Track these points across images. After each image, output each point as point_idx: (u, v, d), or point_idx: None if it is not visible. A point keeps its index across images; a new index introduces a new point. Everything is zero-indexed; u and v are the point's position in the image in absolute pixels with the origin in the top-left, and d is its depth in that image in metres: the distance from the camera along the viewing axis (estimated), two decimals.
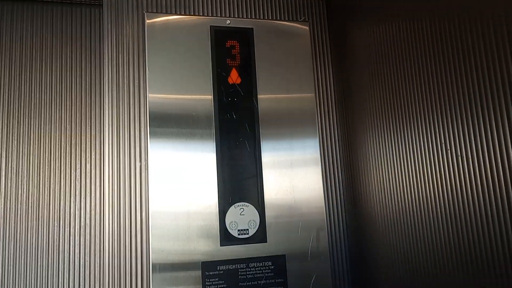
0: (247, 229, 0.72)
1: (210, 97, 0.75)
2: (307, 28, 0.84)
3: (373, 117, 0.73)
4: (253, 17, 0.85)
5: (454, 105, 0.53)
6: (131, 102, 0.76)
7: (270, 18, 0.87)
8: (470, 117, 0.51)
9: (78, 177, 0.77)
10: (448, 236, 0.55)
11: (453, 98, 0.53)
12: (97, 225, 0.76)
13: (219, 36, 0.78)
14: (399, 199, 0.66)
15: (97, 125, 0.80)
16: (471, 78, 0.50)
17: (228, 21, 0.79)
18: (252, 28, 0.80)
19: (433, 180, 0.58)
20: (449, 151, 0.54)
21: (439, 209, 0.57)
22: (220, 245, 0.70)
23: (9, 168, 0.75)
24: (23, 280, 0.72)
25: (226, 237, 0.71)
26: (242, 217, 0.72)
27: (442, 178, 0.56)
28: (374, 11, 0.72)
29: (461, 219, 0.53)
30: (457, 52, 0.52)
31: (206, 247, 0.70)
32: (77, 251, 0.75)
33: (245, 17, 0.85)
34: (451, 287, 0.55)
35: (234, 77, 0.77)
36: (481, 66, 0.49)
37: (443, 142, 0.55)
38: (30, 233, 0.74)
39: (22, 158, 0.76)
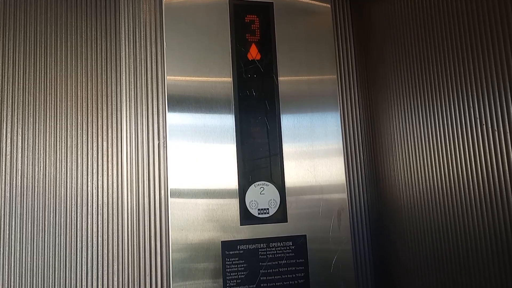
0: (268, 209, 0.70)
1: (230, 73, 0.73)
2: (329, 5, 0.81)
3: (398, 94, 0.71)
4: None
5: (491, 77, 0.50)
6: (149, 79, 0.74)
7: None
8: (508, 90, 0.48)
9: (95, 155, 0.76)
10: (481, 216, 0.53)
11: (489, 70, 0.51)
12: (115, 203, 0.75)
13: (238, 10, 0.75)
14: (427, 177, 0.64)
15: (113, 102, 0.78)
16: (510, 48, 0.47)
17: None
18: (272, 3, 0.77)
19: (466, 157, 0.55)
20: (484, 126, 0.52)
21: (471, 188, 0.54)
22: (240, 225, 0.69)
23: (26, 146, 0.74)
24: (41, 259, 0.72)
25: (246, 216, 0.69)
26: (262, 196, 0.70)
27: (476, 155, 0.53)
28: None
29: (497, 199, 0.50)
30: (494, 21, 0.49)
31: (226, 226, 0.68)
32: (94, 229, 0.74)
33: None
34: (484, 273, 0.53)
35: (253, 53, 0.75)
36: None
37: (477, 116, 0.53)
38: (48, 212, 0.73)
39: (38, 136, 0.75)
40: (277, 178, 0.72)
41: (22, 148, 0.74)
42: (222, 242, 0.68)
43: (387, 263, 0.77)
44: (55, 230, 0.73)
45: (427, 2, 0.62)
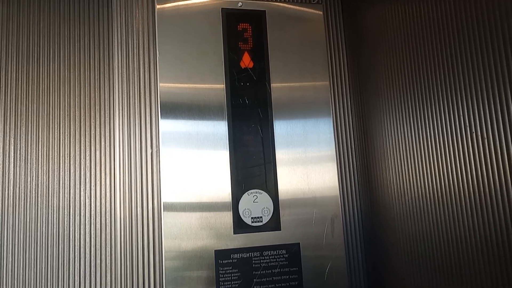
0: (261, 217, 0.70)
1: (222, 81, 0.73)
2: (321, 12, 0.82)
3: (390, 101, 0.71)
4: (265, 0, 0.83)
5: (480, 85, 0.51)
6: (141, 88, 0.74)
7: (282, 0, 0.84)
8: (497, 98, 0.48)
9: (87, 164, 0.76)
10: (472, 224, 0.53)
11: (478, 78, 0.51)
12: (108, 213, 0.75)
13: (230, 19, 0.76)
14: (419, 185, 0.64)
15: (106, 111, 0.78)
16: (499, 57, 0.48)
17: (240, 3, 0.77)
18: (265, 11, 0.78)
19: (456, 165, 0.55)
20: (474, 133, 0.52)
21: (462, 196, 0.55)
22: (234, 233, 0.69)
23: (18, 155, 0.74)
24: (33, 269, 0.71)
25: (239, 225, 0.69)
26: (255, 204, 0.70)
27: (466, 163, 0.54)
28: None
29: (487, 207, 0.50)
30: (483, 29, 0.50)
31: (219, 235, 0.68)
32: (87, 239, 0.74)
33: None
34: (476, 282, 0.53)
35: (246, 61, 0.75)
36: (510, 44, 0.46)
37: (467, 124, 0.53)
38: (40, 222, 0.73)
39: (31, 145, 0.75)
40: (270, 186, 0.72)
41: (14, 158, 0.74)
42: (215, 251, 0.67)
43: (380, 271, 0.77)
44: (47, 240, 0.72)
45: (417, 10, 0.62)
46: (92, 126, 0.77)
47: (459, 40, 0.54)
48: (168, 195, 0.68)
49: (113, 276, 0.73)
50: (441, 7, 0.57)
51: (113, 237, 0.74)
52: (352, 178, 0.83)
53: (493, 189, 0.49)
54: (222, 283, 0.67)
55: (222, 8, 0.76)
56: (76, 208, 0.74)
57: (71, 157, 0.76)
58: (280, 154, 0.73)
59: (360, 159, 0.83)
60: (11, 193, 0.73)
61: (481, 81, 0.51)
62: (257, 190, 0.71)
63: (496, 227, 0.49)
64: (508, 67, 0.46)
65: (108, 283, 0.72)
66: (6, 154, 0.74)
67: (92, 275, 0.73)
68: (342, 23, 0.89)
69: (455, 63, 0.55)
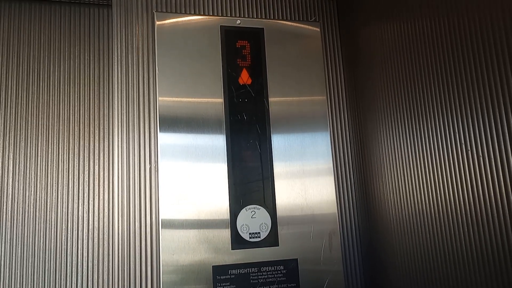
0: (259, 232, 0.70)
1: (221, 96, 0.74)
2: (318, 29, 0.83)
3: (386, 118, 0.72)
4: (264, 17, 0.84)
5: (475, 103, 0.52)
6: (141, 103, 0.75)
7: (281, 18, 0.86)
8: (492, 116, 0.49)
9: (86, 179, 0.76)
10: (469, 239, 0.53)
11: (473, 97, 0.52)
12: (106, 228, 0.75)
13: (229, 36, 0.77)
14: (415, 202, 0.64)
15: (105, 126, 0.79)
16: (492, 76, 0.49)
17: (239, 21, 0.78)
18: (263, 28, 0.79)
19: (453, 181, 0.56)
20: (469, 151, 0.53)
21: (458, 211, 0.55)
22: (231, 249, 0.69)
23: (17, 170, 0.74)
24: (30, 284, 0.71)
25: (237, 241, 0.69)
26: (253, 220, 0.70)
27: (462, 180, 0.54)
28: (386, 9, 0.71)
29: (483, 222, 0.51)
30: (477, 48, 0.51)
31: (217, 250, 0.68)
32: (85, 254, 0.73)
33: (255, 17, 0.84)
34: None
35: (244, 78, 0.76)
36: (503, 63, 0.47)
37: (463, 142, 0.54)
38: (38, 236, 0.73)
39: (29, 160, 0.75)
40: (268, 201, 0.72)
41: (13, 172, 0.74)
42: (213, 266, 0.67)
43: (378, 283, 0.77)
44: (45, 255, 0.72)
45: (413, 27, 0.64)
46: (91, 141, 0.78)
47: (453, 56, 0.55)
48: (166, 212, 0.68)
49: None
50: (435, 24, 0.58)
51: (111, 251, 0.74)
52: (350, 192, 0.83)
53: (488, 205, 0.50)
54: None
55: (221, 26, 0.77)
56: (74, 223, 0.74)
57: (70, 172, 0.76)
58: (278, 169, 0.74)
59: (358, 173, 0.84)
60: (9, 207, 0.73)
61: (475, 98, 0.52)
62: (255, 206, 0.71)
63: (492, 242, 0.50)
64: (502, 87, 0.47)
65: None
66: (5, 169, 0.74)
67: None
68: (339, 39, 0.90)
69: (450, 79, 0.56)
